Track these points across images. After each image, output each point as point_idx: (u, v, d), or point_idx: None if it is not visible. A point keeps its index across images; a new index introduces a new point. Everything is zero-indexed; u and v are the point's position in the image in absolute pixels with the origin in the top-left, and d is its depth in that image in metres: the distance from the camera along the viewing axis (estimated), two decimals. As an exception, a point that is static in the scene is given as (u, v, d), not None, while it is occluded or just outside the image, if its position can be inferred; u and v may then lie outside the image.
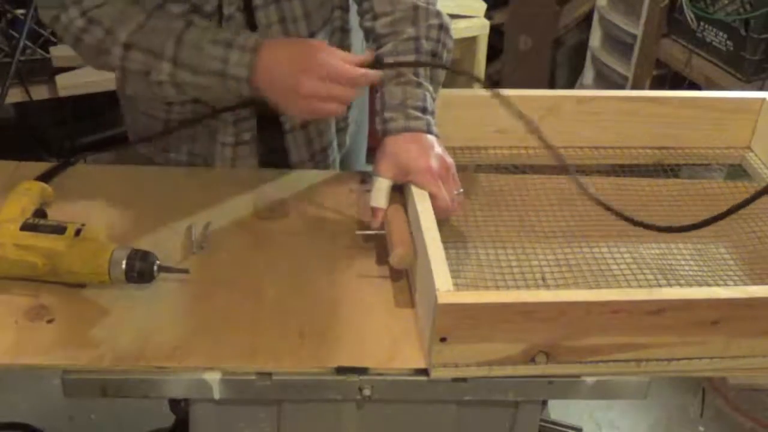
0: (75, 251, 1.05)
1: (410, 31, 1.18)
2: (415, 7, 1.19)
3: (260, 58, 1.11)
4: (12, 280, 1.07)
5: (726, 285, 1.11)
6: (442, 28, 1.20)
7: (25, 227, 1.07)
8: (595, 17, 2.90)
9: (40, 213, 1.15)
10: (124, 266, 1.04)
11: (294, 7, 1.20)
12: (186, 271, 1.07)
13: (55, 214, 1.19)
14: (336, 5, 1.28)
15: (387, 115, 1.14)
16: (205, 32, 1.13)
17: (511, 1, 2.94)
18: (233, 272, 1.11)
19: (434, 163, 1.09)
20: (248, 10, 1.20)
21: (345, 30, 1.32)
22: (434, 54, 1.19)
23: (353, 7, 1.31)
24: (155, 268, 1.05)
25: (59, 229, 1.07)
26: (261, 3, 1.18)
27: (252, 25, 1.21)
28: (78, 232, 1.06)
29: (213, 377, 0.97)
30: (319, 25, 1.24)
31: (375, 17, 1.22)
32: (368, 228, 1.14)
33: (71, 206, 1.22)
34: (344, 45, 1.33)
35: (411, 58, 1.17)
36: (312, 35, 1.23)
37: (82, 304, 1.05)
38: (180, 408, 1.66)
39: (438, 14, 1.21)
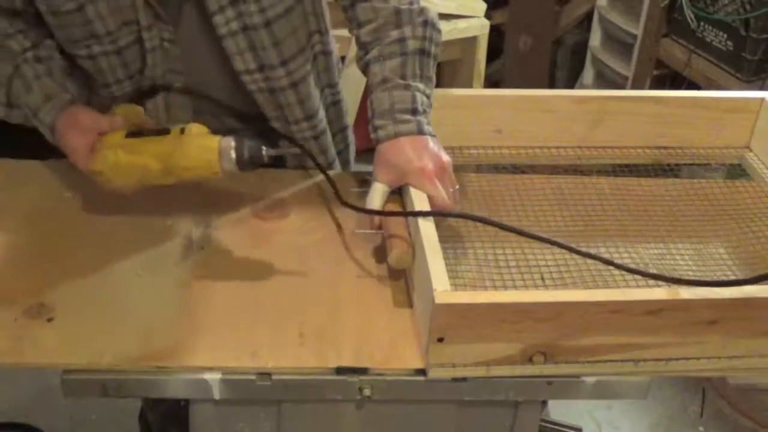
0: (185, 148, 1.06)
1: (394, 34, 1.19)
2: (398, 11, 1.20)
3: (57, 134, 1.15)
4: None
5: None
6: (427, 24, 1.20)
7: (130, 135, 1.09)
8: (595, 17, 2.90)
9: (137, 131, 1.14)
10: (233, 155, 1.05)
11: (262, 36, 1.19)
12: (297, 152, 1.12)
13: (52, 212, 1.20)
14: (313, 30, 1.27)
15: (376, 122, 1.14)
16: (23, 91, 1.17)
17: (511, 1, 2.94)
18: (233, 272, 1.12)
19: (428, 163, 1.10)
20: (212, 37, 1.19)
21: (326, 53, 1.32)
22: (422, 51, 1.19)
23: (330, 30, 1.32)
24: (263, 152, 1.06)
25: (163, 131, 1.09)
26: (226, 32, 1.17)
27: (221, 55, 1.20)
28: (183, 131, 1.08)
29: (213, 377, 0.97)
30: (294, 52, 1.23)
31: (359, 25, 1.22)
32: (367, 228, 1.14)
33: (71, 204, 1.22)
34: (329, 66, 1.34)
35: (397, 60, 1.17)
36: (284, 63, 1.23)
37: (82, 302, 1.05)
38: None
39: (421, 12, 1.21)
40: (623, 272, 1.11)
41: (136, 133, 1.10)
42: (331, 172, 1.34)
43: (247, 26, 1.17)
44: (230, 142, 1.06)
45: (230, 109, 1.29)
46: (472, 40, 2.65)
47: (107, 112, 1.18)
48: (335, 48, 1.37)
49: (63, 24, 1.15)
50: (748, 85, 2.33)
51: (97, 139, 1.12)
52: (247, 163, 1.06)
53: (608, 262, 1.03)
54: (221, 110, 1.29)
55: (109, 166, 1.08)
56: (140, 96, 1.24)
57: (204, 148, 1.06)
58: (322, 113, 1.34)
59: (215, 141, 1.07)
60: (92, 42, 1.16)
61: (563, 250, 1.15)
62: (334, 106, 1.40)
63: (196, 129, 1.09)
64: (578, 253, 1.03)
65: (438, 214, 1.08)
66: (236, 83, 1.25)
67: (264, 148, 1.07)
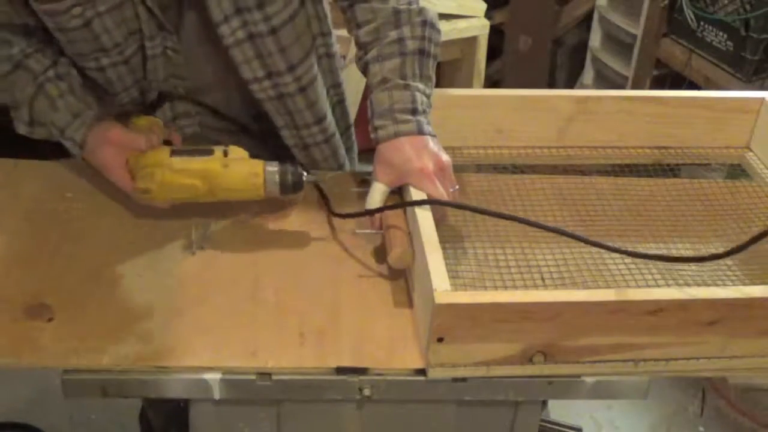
0: (230, 171, 1.11)
1: (393, 34, 1.19)
2: (396, 12, 1.20)
3: (87, 150, 1.17)
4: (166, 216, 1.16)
5: (724, 285, 1.11)
6: (426, 24, 1.20)
7: (175, 153, 1.12)
8: (595, 17, 2.90)
9: (168, 143, 1.18)
10: (278, 180, 1.11)
11: (268, 44, 1.18)
12: (332, 175, 1.21)
13: (52, 212, 1.20)
14: (316, 33, 1.27)
15: (376, 122, 1.14)
16: (49, 110, 1.18)
17: (511, 1, 2.94)
18: (233, 272, 1.12)
19: (428, 163, 1.10)
20: (214, 45, 1.19)
21: (330, 55, 1.33)
22: (421, 51, 1.19)
23: (335, 31, 1.32)
24: (304, 178, 1.13)
25: (207, 152, 1.13)
26: (233, 42, 1.17)
27: (223, 62, 1.21)
28: (225, 153, 1.12)
29: (213, 377, 0.97)
30: (301, 57, 1.23)
31: (358, 26, 1.22)
32: (367, 227, 1.15)
33: (71, 204, 1.22)
34: (332, 67, 1.34)
35: (396, 60, 1.17)
36: (291, 69, 1.23)
37: (82, 302, 1.05)
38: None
39: (420, 12, 1.21)
40: (623, 272, 1.12)
41: (179, 151, 1.13)
42: (331, 172, 1.35)
43: (253, 34, 1.17)
44: (275, 167, 1.12)
45: (228, 115, 1.30)
46: (472, 40, 2.65)
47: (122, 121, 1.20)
48: (338, 48, 1.37)
49: (71, 40, 1.15)
50: (748, 85, 2.33)
51: (132, 155, 1.14)
52: (289, 188, 1.13)
53: (598, 245, 1.03)
54: (221, 116, 1.29)
55: (156, 184, 1.11)
56: (145, 101, 1.24)
57: (250, 173, 1.11)
58: (330, 115, 1.35)
59: (260, 166, 1.12)
60: (100, 55, 1.17)
61: (562, 251, 1.15)
62: (339, 105, 1.40)
63: (237, 152, 1.13)
64: (572, 236, 1.03)
65: (434, 202, 1.08)
66: (237, 90, 1.26)
67: (305, 173, 1.14)
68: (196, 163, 1.12)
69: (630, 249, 1.16)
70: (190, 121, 1.29)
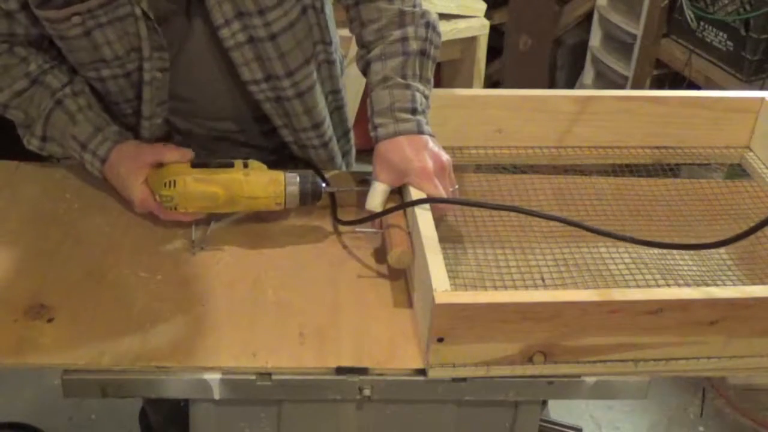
0: (252, 179, 1.13)
1: (397, 33, 1.19)
2: (402, 13, 1.20)
3: (109, 164, 1.18)
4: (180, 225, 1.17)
5: (724, 285, 1.11)
6: (429, 26, 1.21)
7: (196, 165, 1.15)
8: (595, 17, 2.90)
9: None
10: (297, 188, 1.13)
11: (267, 48, 1.19)
12: (352, 190, 1.23)
13: (52, 213, 1.20)
14: (317, 40, 1.28)
15: (377, 121, 1.15)
16: (68, 124, 1.20)
17: (511, 1, 2.94)
18: (233, 272, 1.12)
19: (429, 163, 1.10)
20: (219, 50, 1.20)
21: (330, 62, 1.33)
22: (423, 52, 1.19)
23: (335, 39, 1.33)
24: (322, 188, 1.15)
25: (228, 164, 1.15)
26: (233, 44, 1.17)
27: (228, 63, 1.21)
28: (245, 165, 1.15)
29: (213, 377, 0.97)
30: (300, 63, 1.24)
31: (362, 25, 1.23)
32: (367, 227, 1.15)
33: (71, 205, 1.22)
34: (332, 74, 1.35)
35: (399, 59, 1.18)
36: (290, 74, 1.23)
37: (82, 302, 1.05)
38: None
39: (424, 14, 1.22)
40: (623, 272, 1.12)
41: (200, 164, 1.15)
42: (330, 172, 1.35)
43: (253, 38, 1.17)
44: (295, 177, 1.14)
45: (222, 119, 1.31)
46: (472, 40, 2.66)
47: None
48: (339, 55, 1.37)
49: (71, 49, 1.16)
50: (748, 85, 2.33)
51: (152, 171, 1.15)
52: (308, 198, 1.15)
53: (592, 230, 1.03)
54: (209, 130, 1.30)
55: (179, 192, 1.12)
56: (141, 113, 1.25)
57: (271, 181, 1.13)
58: (328, 121, 1.35)
59: (281, 175, 1.14)
60: (101, 65, 1.17)
61: (562, 251, 1.15)
62: (338, 110, 1.40)
63: (257, 164, 1.15)
64: (566, 221, 1.03)
65: (434, 201, 1.08)
66: (240, 94, 1.26)
67: (324, 184, 1.16)
68: (219, 173, 1.13)
69: (630, 249, 1.17)
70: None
